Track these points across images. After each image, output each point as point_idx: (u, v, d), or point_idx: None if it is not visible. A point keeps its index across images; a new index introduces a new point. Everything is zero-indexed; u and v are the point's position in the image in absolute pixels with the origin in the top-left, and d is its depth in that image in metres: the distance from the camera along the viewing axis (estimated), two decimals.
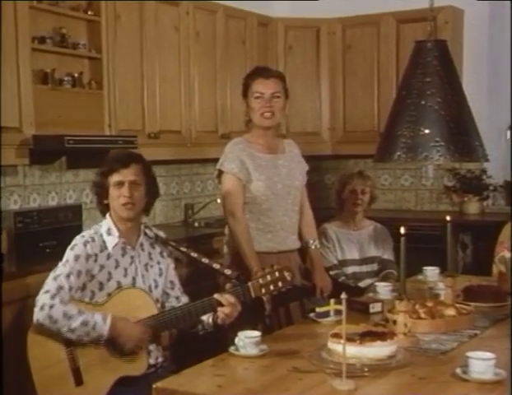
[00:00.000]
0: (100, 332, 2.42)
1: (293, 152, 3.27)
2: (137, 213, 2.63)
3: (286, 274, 2.51)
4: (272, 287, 2.50)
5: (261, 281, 2.50)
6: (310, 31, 5.49)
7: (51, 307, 2.39)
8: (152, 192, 2.69)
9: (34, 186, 3.94)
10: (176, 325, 2.56)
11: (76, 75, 3.88)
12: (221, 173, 3.11)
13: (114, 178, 2.58)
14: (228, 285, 2.55)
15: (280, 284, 2.51)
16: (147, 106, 4.29)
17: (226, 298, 2.47)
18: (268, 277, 2.50)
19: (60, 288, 2.43)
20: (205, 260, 2.65)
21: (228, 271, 2.61)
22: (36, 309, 2.41)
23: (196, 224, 4.89)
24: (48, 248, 3.68)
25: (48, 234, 3.78)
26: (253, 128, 3.15)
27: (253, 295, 2.51)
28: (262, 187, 3.06)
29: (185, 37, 4.57)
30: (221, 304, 2.47)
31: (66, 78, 3.82)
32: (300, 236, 3.26)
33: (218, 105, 4.85)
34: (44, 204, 3.99)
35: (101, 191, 2.63)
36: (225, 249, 3.17)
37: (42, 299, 2.42)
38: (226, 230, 3.17)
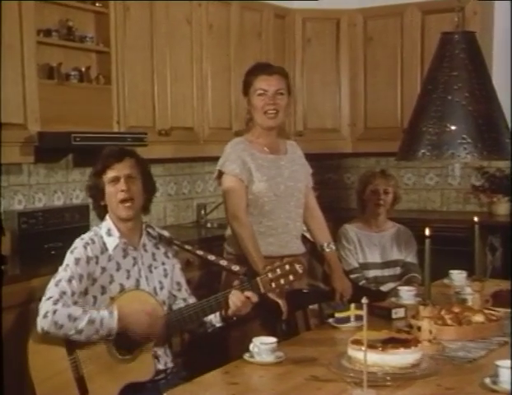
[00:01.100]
0: (109, 326, 2.42)
1: (296, 154, 3.27)
2: (136, 211, 2.63)
3: (298, 267, 2.48)
4: (282, 281, 2.48)
5: (270, 275, 2.48)
6: (330, 23, 5.47)
7: (54, 312, 2.40)
8: (149, 188, 2.69)
9: (40, 185, 3.96)
10: (184, 325, 2.56)
11: (83, 69, 3.89)
12: (221, 174, 3.11)
13: (109, 174, 2.59)
14: (236, 282, 2.54)
15: (291, 277, 2.48)
16: (158, 102, 4.29)
17: (237, 296, 2.46)
18: (278, 271, 2.48)
19: (63, 293, 2.44)
20: (211, 257, 2.66)
21: (236, 268, 2.61)
22: (39, 318, 2.41)
23: (209, 225, 4.89)
24: (54, 249, 3.68)
25: (53, 235, 3.78)
26: (255, 128, 3.14)
27: (262, 290, 2.50)
28: (264, 188, 3.06)
29: (198, 30, 4.57)
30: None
31: (73, 73, 3.83)
32: (314, 240, 3.26)
33: (232, 101, 4.84)
34: (50, 204, 4.01)
35: (97, 192, 2.63)
36: (227, 250, 3.16)
37: (45, 306, 2.43)
38: (228, 232, 3.15)
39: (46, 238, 3.76)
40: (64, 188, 4.11)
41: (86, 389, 2.45)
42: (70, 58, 3.87)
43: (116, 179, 2.58)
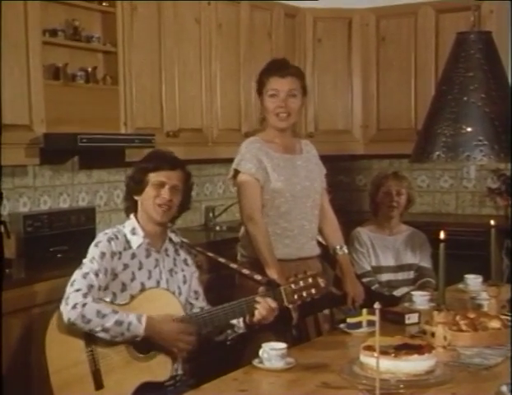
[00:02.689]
0: (136, 332, 2.43)
1: (310, 153, 3.26)
2: (169, 218, 2.67)
3: (320, 280, 2.52)
4: (305, 294, 2.51)
5: (293, 286, 2.51)
6: (341, 22, 5.46)
7: (84, 305, 2.41)
8: (186, 203, 2.74)
9: (45, 187, 3.97)
10: (211, 326, 2.56)
11: (89, 70, 3.89)
12: (236, 173, 3.11)
13: (157, 177, 2.62)
14: (261, 289, 2.55)
15: (313, 291, 2.51)
16: (166, 103, 4.29)
17: (268, 302, 2.48)
18: (301, 283, 2.51)
19: (91, 286, 2.47)
20: (233, 265, 2.70)
21: (258, 277, 2.63)
22: (68, 308, 2.42)
23: (217, 228, 4.89)
24: (60, 253, 3.69)
25: (59, 238, 3.79)
26: (269, 127, 3.14)
27: (285, 301, 2.52)
28: (280, 188, 3.05)
29: (207, 29, 4.57)
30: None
31: (79, 73, 3.83)
32: (327, 243, 3.25)
33: (242, 102, 4.84)
34: (56, 207, 4.01)
35: (136, 186, 2.65)
36: (241, 253, 3.15)
37: (73, 297, 2.43)
38: (241, 233, 3.15)
39: (52, 241, 3.76)
40: (70, 190, 4.11)
41: (101, 383, 2.45)
42: (76, 58, 3.88)
43: (162, 185, 2.61)
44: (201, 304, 2.73)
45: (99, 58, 4.03)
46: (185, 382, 2.62)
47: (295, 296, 2.51)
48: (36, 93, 3.49)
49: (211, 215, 5.00)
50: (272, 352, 2.28)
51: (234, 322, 2.58)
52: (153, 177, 2.62)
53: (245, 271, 2.66)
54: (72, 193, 4.12)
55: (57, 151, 3.73)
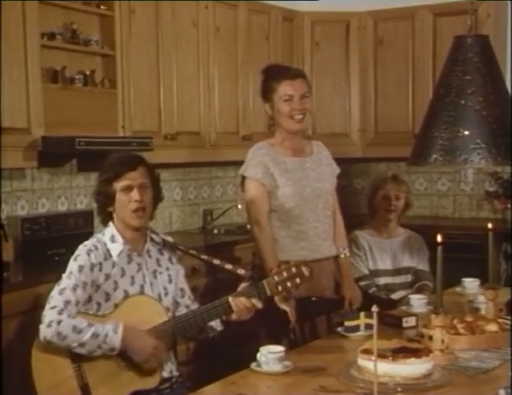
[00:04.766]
0: (112, 343, 2.41)
1: (322, 154, 3.26)
2: (147, 221, 2.64)
3: (304, 269, 2.48)
4: (289, 284, 2.48)
5: (276, 278, 2.48)
6: (339, 26, 5.47)
7: (59, 323, 2.39)
8: (158, 196, 2.70)
9: (43, 190, 3.97)
10: (189, 331, 2.55)
11: (87, 73, 3.90)
12: (244, 179, 3.12)
13: (122, 183, 2.57)
14: (242, 285, 2.54)
15: (298, 280, 2.48)
16: (164, 106, 4.30)
17: (242, 302, 2.46)
18: (284, 274, 2.48)
19: (67, 303, 2.44)
20: (216, 261, 2.67)
21: (241, 271, 2.61)
22: (43, 326, 2.41)
23: (215, 231, 4.89)
24: (58, 256, 3.68)
25: (57, 241, 3.79)
26: (279, 132, 3.14)
27: (268, 293, 2.49)
28: (290, 192, 3.06)
29: (204, 33, 4.58)
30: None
31: (77, 76, 3.84)
32: None
33: (239, 105, 4.85)
34: (53, 210, 4.01)
35: (105, 198, 2.61)
36: (255, 262, 3.16)
37: (48, 315, 2.42)
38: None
39: (49, 244, 3.76)
40: (68, 193, 4.12)
41: None
42: (74, 61, 3.89)
43: (129, 188, 2.57)
44: (186, 301, 2.71)
45: (97, 61, 4.03)
46: (182, 383, 2.62)
47: (279, 287, 2.48)
48: (34, 96, 3.50)
49: (209, 218, 5.00)
50: (269, 356, 2.28)
51: (211, 323, 2.57)
52: (117, 184, 2.57)
53: (228, 267, 2.63)
54: (70, 196, 4.12)
55: (55, 154, 3.73)
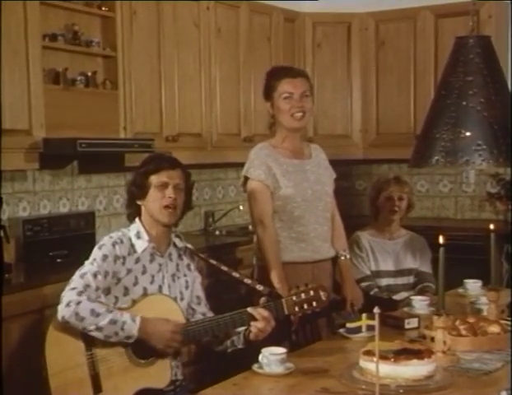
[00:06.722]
0: (130, 332, 2.43)
1: (320, 157, 3.28)
2: (176, 220, 2.66)
3: (322, 294, 2.52)
4: (305, 306, 2.51)
5: (295, 298, 2.51)
6: (340, 27, 5.47)
7: (78, 303, 2.41)
8: (189, 203, 2.73)
9: (45, 192, 3.97)
10: (204, 337, 2.56)
11: (89, 74, 3.90)
12: (246, 180, 3.12)
13: (160, 178, 2.60)
14: (262, 300, 2.54)
15: (314, 304, 2.52)
16: (165, 107, 4.30)
17: (260, 312, 2.47)
18: (303, 296, 2.51)
19: (87, 286, 2.46)
20: (235, 274, 2.68)
21: (260, 287, 2.61)
22: (61, 306, 2.42)
23: (217, 232, 4.89)
24: (59, 257, 3.70)
25: (58, 242, 3.80)
26: (279, 131, 3.15)
27: (286, 312, 2.52)
28: (291, 193, 3.07)
29: (206, 34, 4.58)
30: (254, 319, 2.46)
31: (78, 78, 3.84)
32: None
33: (241, 106, 4.85)
34: (55, 211, 4.01)
35: (139, 191, 2.63)
36: (257, 257, 3.16)
37: (68, 295, 2.44)
38: (255, 240, 3.16)
39: (51, 245, 3.77)
40: (69, 194, 4.12)
41: (99, 387, 2.45)
42: (76, 62, 3.89)
43: (165, 185, 2.60)
44: (202, 309, 2.72)
45: (98, 62, 4.03)
46: (185, 387, 2.62)
47: (296, 308, 2.51)
48: (36, 97, 3.50)
49: (210, 219, 5.00)
50: (271, 357, 2.28)
51: (234, 338, 2.56)
52: (155, 179, 2.60)
53: (247, 281, 2.65)
54: (71, 198, 4.12)
55: (56, 155, 3.73)
